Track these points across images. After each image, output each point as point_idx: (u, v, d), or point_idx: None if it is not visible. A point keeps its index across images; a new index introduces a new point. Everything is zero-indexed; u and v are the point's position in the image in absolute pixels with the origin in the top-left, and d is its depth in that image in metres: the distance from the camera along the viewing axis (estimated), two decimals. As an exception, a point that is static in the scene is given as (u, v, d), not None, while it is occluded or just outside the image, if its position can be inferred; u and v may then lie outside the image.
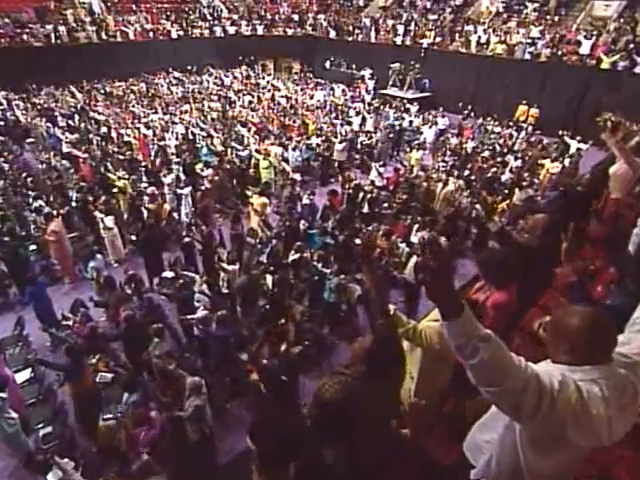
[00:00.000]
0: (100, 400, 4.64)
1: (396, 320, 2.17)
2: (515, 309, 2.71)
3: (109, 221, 7.05)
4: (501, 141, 12.68)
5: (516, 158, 10.70)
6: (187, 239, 6.67)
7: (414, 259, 6.81)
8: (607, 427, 1.20)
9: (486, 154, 10.99)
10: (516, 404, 1.15)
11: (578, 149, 11.63)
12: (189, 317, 5.15)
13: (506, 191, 9.22)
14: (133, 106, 15.06)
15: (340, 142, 11.33)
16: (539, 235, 2.52)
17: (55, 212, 7.57)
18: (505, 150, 11.74)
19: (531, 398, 1.13)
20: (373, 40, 20.43)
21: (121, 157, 10.16)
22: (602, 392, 1.19)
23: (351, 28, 21.62)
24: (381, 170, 9.78)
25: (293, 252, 6.12)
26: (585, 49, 14.75)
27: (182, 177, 9.13)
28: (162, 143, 10.97)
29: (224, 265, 5.94)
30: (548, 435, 1.26)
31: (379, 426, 1.59)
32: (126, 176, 8.90)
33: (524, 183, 8.99)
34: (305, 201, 8.10)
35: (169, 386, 4.15)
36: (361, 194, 8.36)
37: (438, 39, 18.44)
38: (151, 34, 20.32)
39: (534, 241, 2.51)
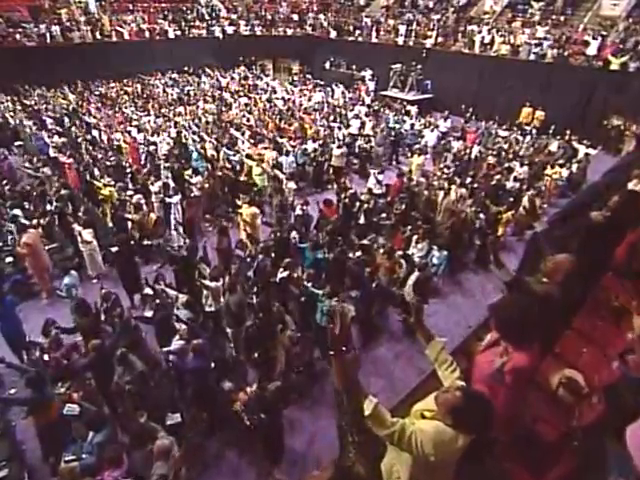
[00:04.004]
0: (68, 433, 4.21)
1: (376, 417, 1.64)
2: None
3: (87, 234, 6.57)
4: (506, 146, 12.07)
5: (522, 164, 10.16)
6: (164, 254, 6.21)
7: (414, 276, 6.37)
8: None
9: (490, 159, 10.43)
10: None
11: (586, 154, 11.15)
12: (165, 350, 4.71)
13: (512, 199, 8.74)
14: (126, 108, 14.63)
15: (338, 147, 10.83)
16: (560, 281, 2.07)
17: (35, 222, 7.18)
18: (510, 156, 11.18)
19: None
20: (374, 40, 19.94)
21: (107, 162, 9.72)
22: None
23: (352, 28, 21.16)
24: (380, 177, 9.23)
25: (282, 270, 5.67)
26: (592, 50, 14.24)
27: (171, 184, 8.68)
28: (152, 148, 10.52)
29: (205, 282, 5.48)
30: None
31: None
32: (112, 183, 8.46)
33: (532, 192, 8.49)
34: (297, 211, 7.61)
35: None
36: (357, 204, 7.87)
37: (440, 39, 17.96)
38: (147, 34, 19.91)
39: (555, 290, 2.05)
